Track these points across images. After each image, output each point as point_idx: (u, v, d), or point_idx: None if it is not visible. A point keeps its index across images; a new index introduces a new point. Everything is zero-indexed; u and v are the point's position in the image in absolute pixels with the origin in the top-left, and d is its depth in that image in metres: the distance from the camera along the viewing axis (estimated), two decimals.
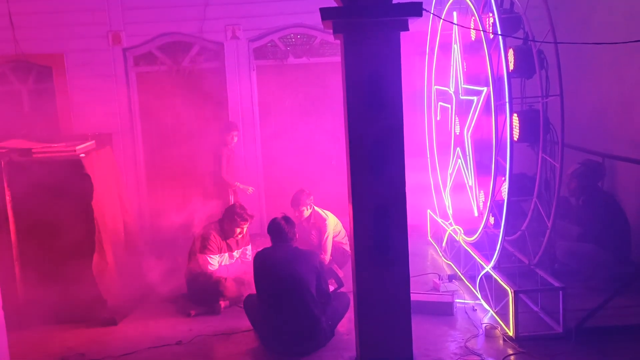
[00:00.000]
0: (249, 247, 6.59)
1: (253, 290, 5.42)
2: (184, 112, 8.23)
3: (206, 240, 6.19)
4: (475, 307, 5.65)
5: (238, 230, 6.29)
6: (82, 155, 5.90)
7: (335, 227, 6.77)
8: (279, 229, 5.30)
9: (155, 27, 8.12)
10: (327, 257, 6.56)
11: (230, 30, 8.15)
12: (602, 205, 6.08)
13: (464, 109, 6.22)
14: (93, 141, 6.39)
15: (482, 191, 5.84)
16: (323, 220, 6.67)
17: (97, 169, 6.03)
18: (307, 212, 6.60)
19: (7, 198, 5.62)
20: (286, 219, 5.41)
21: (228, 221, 6.28)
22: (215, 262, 6.22)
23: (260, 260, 5.30)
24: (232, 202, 6.42)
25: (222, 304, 6.00)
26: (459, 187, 6.48)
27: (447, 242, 6.94)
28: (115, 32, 8.08)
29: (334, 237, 6.72)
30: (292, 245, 5.31)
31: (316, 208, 6.76)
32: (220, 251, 6.28)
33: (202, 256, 6.17)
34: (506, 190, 5.22)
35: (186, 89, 8.27)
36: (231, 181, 7.48)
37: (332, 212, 6.90)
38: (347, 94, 4.36)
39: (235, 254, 6.44)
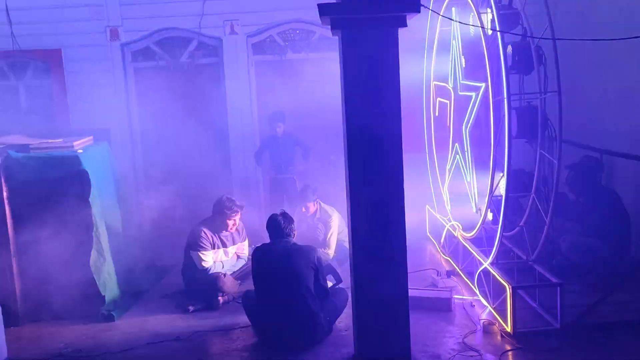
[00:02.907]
0: (246, 243, 6.53)
1: (250, 286, 5.43)
2: (182, 107, 8.22)
3: (197, 238, 6.14)
4: (474, 303, 5.65)
5: (230, 222, 6.22)
6: (80, 150, 5.89)
7: (340, 225, 6.79)
8: (276, 225, 5.29)
9: (153, 22, 8.11)
10: (331, 252, 6.57)
11: (228, 25, 8.13)
12: (605, 201, 6.08)
13: (462, 104, 6.21)
14: (91, 137, 6.37)
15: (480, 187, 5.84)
16: (329, 216, 6.70)
17: (95, 165, 6.02)
18: (313, 208, 6.61)
19: (5, 194, 5.60)
20: (284, 214, 5.40)
21: (218, 215, 6.23)
22: (209, 258, 6.17)
23: (259, 256, 5.29)
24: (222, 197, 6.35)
25: (221, 299, 5.99)
26: (457, 183, 6.47)
27: (445, 238, 6.94)
28: (113, 28, 8.06)
29: (337, 235, 6.74)
30: (290, 241, 5.31)
31: (322, 204, 6.77)
32: (214, 247, 6.22)
33: (194, 253, 6.12)
34: (504, 186, 5.22)
35: (184, 84, 8.26)
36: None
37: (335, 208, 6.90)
38: (344, 89, 4.36)
39: (231, 249, 6.38)
